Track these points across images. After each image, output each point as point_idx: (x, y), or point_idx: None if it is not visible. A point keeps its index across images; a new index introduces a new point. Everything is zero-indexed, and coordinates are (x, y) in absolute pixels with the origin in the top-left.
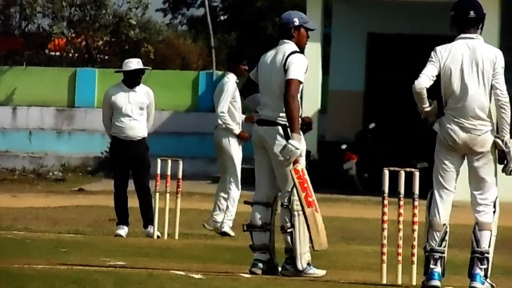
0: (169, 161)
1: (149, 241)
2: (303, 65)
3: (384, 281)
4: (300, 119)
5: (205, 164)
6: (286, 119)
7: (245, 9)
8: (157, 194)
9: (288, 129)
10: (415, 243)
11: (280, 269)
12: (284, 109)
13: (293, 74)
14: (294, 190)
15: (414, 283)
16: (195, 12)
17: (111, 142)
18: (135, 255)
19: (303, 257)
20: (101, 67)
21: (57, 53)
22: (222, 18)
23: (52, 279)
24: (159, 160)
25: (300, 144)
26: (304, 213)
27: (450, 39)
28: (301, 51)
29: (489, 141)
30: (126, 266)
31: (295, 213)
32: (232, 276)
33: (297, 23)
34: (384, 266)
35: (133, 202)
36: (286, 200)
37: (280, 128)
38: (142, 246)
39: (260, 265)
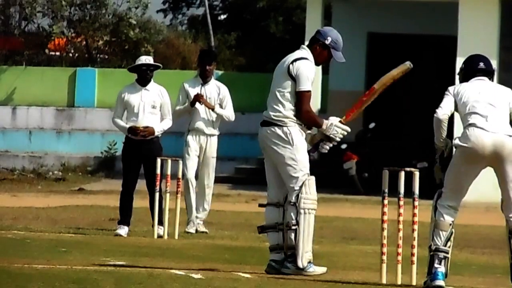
0: (169, 161)
1: (149, 241)
2: (309, 73)
3: (384, 281)
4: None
5: None
6: (282, 119)
7: (245, 9)
8: (157, 194)
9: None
10: (415, 243)
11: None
12: (282, 110)
13: (300, 85)
14: (303, 188)
15: (414, 283)
16: (195, 12)
17: (124, 141)
18: (135, 255)
19: (305, 256)
20: (101, 67)
21: (57, 53)
22: (222, 17)
23: (52, 279)
24: (159, 160)
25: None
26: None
27: (449, 39)
28: (317, 65)
29: None
30: (126, 266)
31: (302, 210)
32: (232, 276)
33: (327, 42)
34: (384, 266)
35: (136, 203)
36: (293, 198)
37: (276, 128)
38: (142, 246)
39: (274, 265)
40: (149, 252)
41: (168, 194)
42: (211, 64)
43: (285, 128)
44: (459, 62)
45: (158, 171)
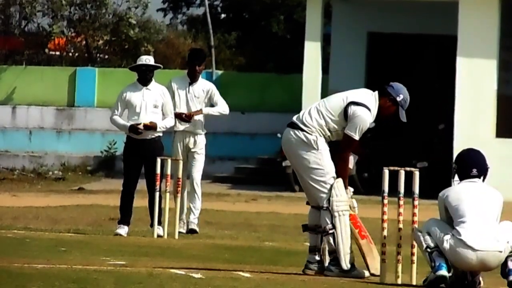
0: (169, 161)
1: (149, 241)
2: (364, 124)
3: (384, 281)
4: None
5: (205, 163)
6: (311, 128)
7: (246, 8)
8: (157, 194)
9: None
10: (415, 242)
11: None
12: (316, 124)
13: (351, 131)
14: (332, 191)
15: (414, 282)
16: (195, 11)
17: (125, 141)
18: (135, 255)
19: (347, 257)
20: (101, 66)
21: (57, 53)
22: (222, 17)
23: (52, 279)
24: (159, 160)
25: (346, 197)
26: (359, 245)
27: (449, 39)
28: (377, 118)
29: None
30: (126, 266)
31: (336, 213)
32: (232, 275)
33: (398, 99)
34: (384, 265)
35: (136, 203)
36: (325, 202)
37: (301, 132)
38: (142, 245)
39: (309, 265)
40: (149, 252)
41: (168, 194)
42: (200, 65)
43: (310, 136)
44: (459, 62)
45: (158, 170)
